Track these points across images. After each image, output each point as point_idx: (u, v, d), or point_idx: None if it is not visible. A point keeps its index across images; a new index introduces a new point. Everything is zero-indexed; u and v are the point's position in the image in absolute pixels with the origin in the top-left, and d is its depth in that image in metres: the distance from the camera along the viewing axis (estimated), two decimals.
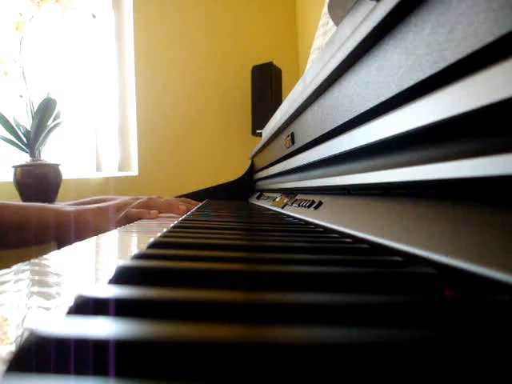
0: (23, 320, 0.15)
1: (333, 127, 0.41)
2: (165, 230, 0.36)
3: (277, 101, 1.61)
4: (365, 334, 0.11)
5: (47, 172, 1.58)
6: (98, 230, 0.71)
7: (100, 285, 0.20)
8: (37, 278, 0.23)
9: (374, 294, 0.15)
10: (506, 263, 0.16)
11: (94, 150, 1.92)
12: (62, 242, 0.71)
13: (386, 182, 0.30)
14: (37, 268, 0.25)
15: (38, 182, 1.52)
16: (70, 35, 1.85)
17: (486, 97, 0.18)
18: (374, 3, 0.29)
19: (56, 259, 0.28)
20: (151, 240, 0.28)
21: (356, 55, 0.33)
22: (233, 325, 0.12)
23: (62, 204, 0.80)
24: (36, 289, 0.20)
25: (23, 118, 1.66)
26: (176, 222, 0.45)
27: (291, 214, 0.55)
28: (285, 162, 0.72)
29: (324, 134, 0.45)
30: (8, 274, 0.23)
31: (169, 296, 0.14)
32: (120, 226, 0.70)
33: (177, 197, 1.04)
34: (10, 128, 1.60)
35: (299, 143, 0.59)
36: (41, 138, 1.61)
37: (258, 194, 1.07)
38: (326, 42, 0.44)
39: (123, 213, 0.73)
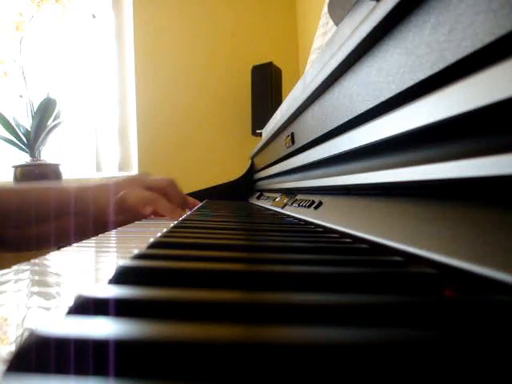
0: (23, 320, 0.15)
1: (333, 127, 0.41)
2: (165, 229, 0.36)
3: (277, 101, 1.61)
4: (365, 334, 0.11)
5: (47, 172, 1.58)
6: (98, 208, 0.69)
7: (100, 285, 0.20)
8: (37, 278, 0.23)
9: (374, 294, 0.15)
10: (506, 263, 0.16)
11: (94, 149, 1.92)
12: (61, 220, 0.68)
13: (386, 181, 0.30)
14: (37, 268, 0.25)
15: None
16: (70, 35, 1.85)
17: (486, 97, 0.18)
18: (374, 3, 0.29)
19: (56, 259, 0.28)
20: (151, 240, 0.28)
21: (356, 55, 0.33)
22: (232, 325, 0.12)
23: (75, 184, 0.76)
24: (36, 289, 0.20)
25: (23, 118, 1.66)
26: (176, 222, 0.45)
27: (291, 213, 0.55)
28: (285, 162, 0.72)
29: (324, 134, 0.45)
30: (8, 273, 0.23)
31: (169, 296, 0.14)
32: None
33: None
34: (10, 128, 1.61)
35: (299, 143, 0.59)
36: (41, 138, 1.61)
37: (258, 193, 1.07)
38: (326, 42, 0.44)
39: (121, 193, 0.67)
